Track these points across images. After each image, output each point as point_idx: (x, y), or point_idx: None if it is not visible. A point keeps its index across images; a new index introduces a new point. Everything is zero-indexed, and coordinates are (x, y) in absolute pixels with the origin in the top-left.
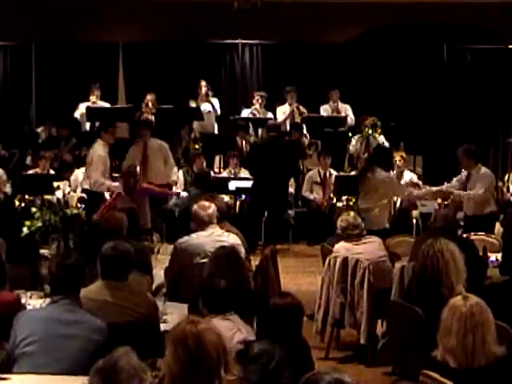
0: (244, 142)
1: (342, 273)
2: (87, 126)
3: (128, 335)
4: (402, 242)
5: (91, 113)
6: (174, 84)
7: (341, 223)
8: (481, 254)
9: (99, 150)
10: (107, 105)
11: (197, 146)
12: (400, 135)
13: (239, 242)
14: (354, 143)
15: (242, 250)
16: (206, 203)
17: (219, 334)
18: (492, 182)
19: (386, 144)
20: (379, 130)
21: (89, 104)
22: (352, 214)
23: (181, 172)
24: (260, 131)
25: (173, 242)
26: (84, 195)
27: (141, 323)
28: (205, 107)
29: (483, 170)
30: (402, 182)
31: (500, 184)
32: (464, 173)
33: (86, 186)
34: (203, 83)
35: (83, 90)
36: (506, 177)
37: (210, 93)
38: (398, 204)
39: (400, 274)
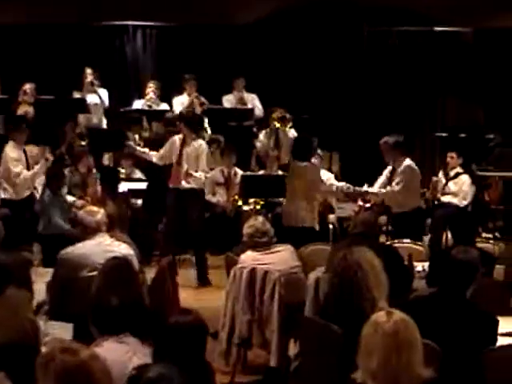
0: (137, 137)
1: (249, 286)
2: None
3: (1, 359)
4: (316, 251)
5: None
6: (55, 72)
7: (247, 229)
8: (406, 263)
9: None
10: None
11: (83, 143)
12: (314, 129)
13: (132, 252)
14: (262, 138)
15: (136, 262)
16: (94, 208)
17: (104, 362)
18: (413, 178)
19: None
20: (289, 124)
21: None
22: (260, 218)
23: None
24: (155, 125)
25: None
26: None
27: (17, 345)
28: (91, 98)
29: (406, 162)
30: None
31: (435, 179)
32: (387, 169)
33: None
34: (89, 71)
35: None
36: (439, 174)
37: (97, 82)
38: None
39: (315, 287)
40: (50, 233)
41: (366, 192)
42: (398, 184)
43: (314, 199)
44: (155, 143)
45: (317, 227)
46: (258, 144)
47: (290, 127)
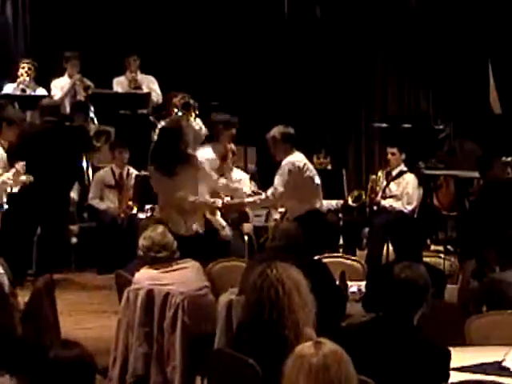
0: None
1: (145, 312)
2: None
3: None
4: (228, 268)
5: None
6: None
7: (143, 242)
8: (337, 282)
9: None
10: None
11: None
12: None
13: (1, 270)
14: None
15: (6, 282)
16: None
17: None
18: (296, 175)
19: (202, 126)
20: (194, 112)
21: None
22: (159, 229)
23: None
24: (29, 114)
25: None
26: None
27: None
28: None
29: (290, 158)
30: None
31: (373, 177)
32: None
33: None
34: None
35: None
36: (379, 173)
37: None
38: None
39: (226, 313)
40: None
41: (243, 203)
42: (278, 186)
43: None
44: None
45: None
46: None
47: (196, 116)
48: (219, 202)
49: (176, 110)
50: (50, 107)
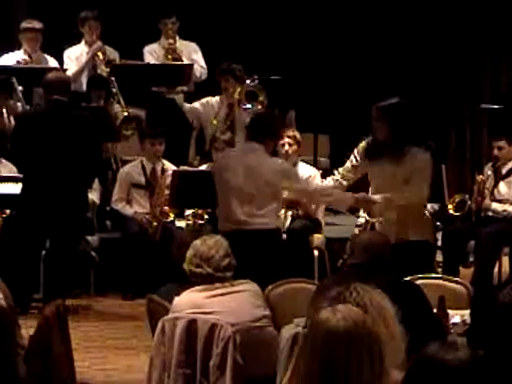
0: (3, 110)
1: (185, 348)
2: None
3: None
4: (294, 292)
5: None
6: None
7: (190, 256)
8: (435, 310)
9: None
10: None
11: None
12: (288, 98)
13: (0, 295)
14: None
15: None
16: None
17: None
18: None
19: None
20: (262, 94)
21: None
22: (212, 240)
23: None
24: (35, 92)
25: None
26: None
27: None
28: None
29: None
30: None
31: (480, 178)
32: (362, 146)
33: None
34: None
35: None
36: (487, 168)
37: None
38: (289, 221)
39: (290, 351)
40: None
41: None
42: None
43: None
44: None
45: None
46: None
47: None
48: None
49: (232, 91)
50: (58, 82)
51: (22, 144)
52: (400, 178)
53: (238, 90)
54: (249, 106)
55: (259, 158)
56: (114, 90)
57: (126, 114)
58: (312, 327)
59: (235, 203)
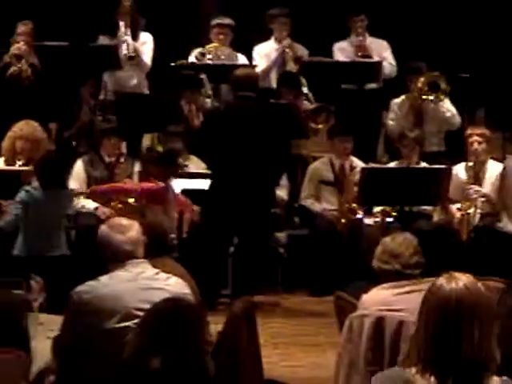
0: (192, 107)
1: (373, 346)
2: None
3: None
4: None
5: None
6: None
7: (379, 253)
8: None
9: None
10: None
11: (110, 117)
12: (477, 96)
13: (186, 290)
14: (396, 110)
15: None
16: (124, 221)
17: None
18: None
19: (455, 113)
20: (443, 82)
21: None
22: (402, 236)
23: (79, 162)
24: (223, 88)
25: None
26: None
27: None
28: (126, 47)
29: None
30: (486, 182)
31: None
32: None
33: None
34: (126, 3)
35: None
36: None
37: (141, 22)
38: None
39: None
40: (49, 255)
41: None
42: None
43: None
44: None
45: None
46: (390, 121)
47: (445, 96)
48: None
49: (418, 87)
50: (246, 79)
51: (211, 140)
52: None
53: (421, 79)
54: (431, 97)
55: None
56: (304, 87)
57: (315, 105)
58: (428, 292)
59: None
